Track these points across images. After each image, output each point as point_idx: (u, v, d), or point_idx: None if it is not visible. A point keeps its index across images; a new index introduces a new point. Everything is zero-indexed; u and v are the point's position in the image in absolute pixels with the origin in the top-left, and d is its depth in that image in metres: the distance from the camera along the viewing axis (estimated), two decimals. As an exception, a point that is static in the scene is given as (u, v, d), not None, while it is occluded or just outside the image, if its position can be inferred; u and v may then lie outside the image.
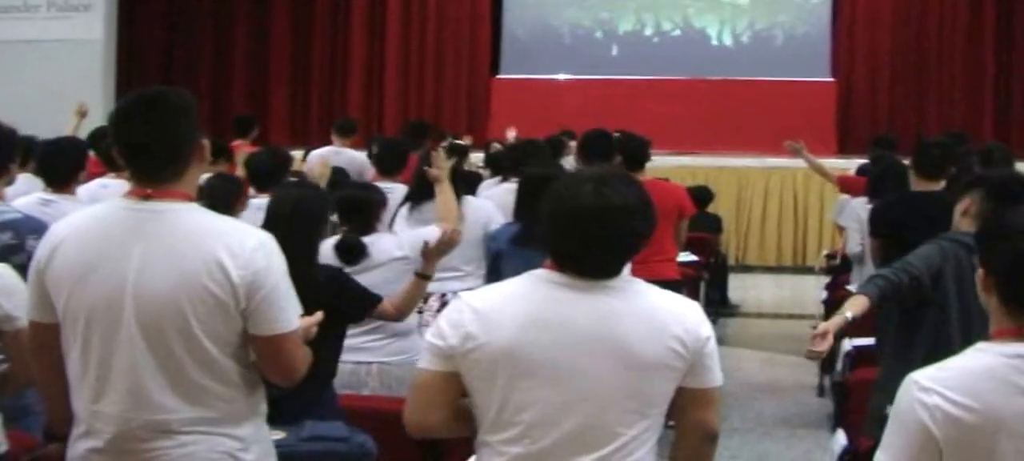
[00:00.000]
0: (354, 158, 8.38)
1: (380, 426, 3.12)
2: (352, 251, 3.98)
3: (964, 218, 3.33)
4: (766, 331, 8.02)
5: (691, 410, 2.20)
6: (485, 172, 7.67)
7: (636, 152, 5.53)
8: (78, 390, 2.30)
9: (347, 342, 3.61)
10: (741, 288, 8.76)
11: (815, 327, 7.23)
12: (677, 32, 13.18)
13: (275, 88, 13.44)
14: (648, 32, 13.24)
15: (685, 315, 2.18)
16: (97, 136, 6.63)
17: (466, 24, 13.23)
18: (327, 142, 9.04)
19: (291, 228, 3.26)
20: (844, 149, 11.52)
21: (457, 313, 2.18)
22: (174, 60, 13.42)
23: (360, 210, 4.08)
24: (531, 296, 2.16)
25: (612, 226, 2.11)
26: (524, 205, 4.43)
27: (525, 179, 4.62)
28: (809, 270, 10.11)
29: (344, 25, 13.42)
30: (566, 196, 2.14)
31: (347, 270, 3.80)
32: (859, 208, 5.66)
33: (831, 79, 12.64)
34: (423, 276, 3.71)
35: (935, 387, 1.92)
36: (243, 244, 2.24)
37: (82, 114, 7.69)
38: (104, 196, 4.83)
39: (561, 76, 12.87)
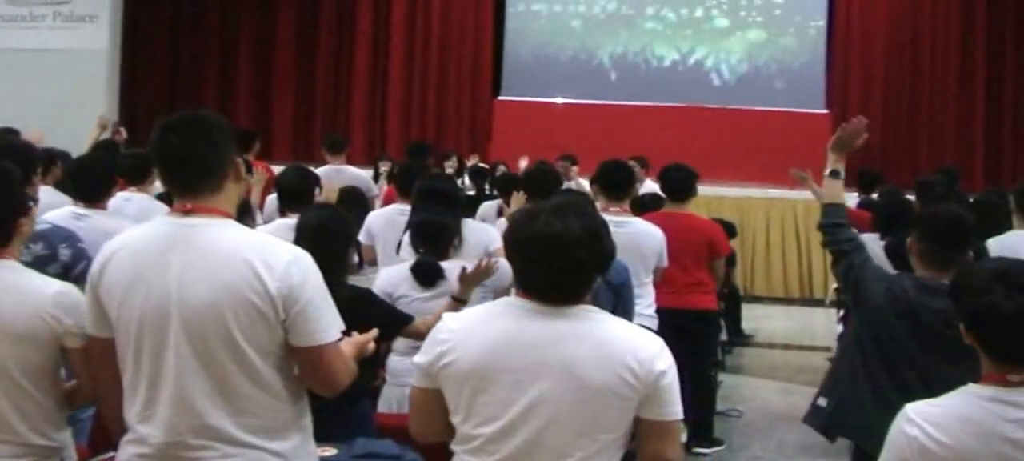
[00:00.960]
0: (358, 176, 8.33)
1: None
2: (429, 273, 4.03)
3: (911, 256, 3.40)
4: (780, 361, 8.06)
5: (649, 441, 2.27)
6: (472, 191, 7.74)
7: (675, 184, 5.60)
8: (130, 399, 2.38)
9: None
10: (752, 319, 8.81)
11: (830, 360, 7.23)
12: (676, 61, 13.31)
13: (279, 104, 13.45)
14: (649, 61, 13.36)
15: (639, 346, 2.23)
16: (106, 148, 6.62)
17: (469, 45, 13.31)
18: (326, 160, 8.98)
19: (316, 248, 3.27)
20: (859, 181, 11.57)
21: (436, 332, 2.34)
22: (179, 72, 13.41)
23: (437, 235, 4.16)
24: (498, 319, 2.30)
25: (554, 253, 2.21)
26: None
27: None
28: (817, 302, 10.21)
29: (348, 42, 13.45)
30: (521, 225, 2.30)
31: (424, 294, 3.88)
32: (872, 243, 5.67)
33: (826, 111, 12.74)
34: (458, 300, 3.78)
35: (918, 420, 2.11)
36: (279, 258, 2.33)
37: (103, 127, 7.71)
38: (127, 209, 4.93)
39: (562, 99, 12.97)
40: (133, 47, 12.78)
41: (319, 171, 8.66)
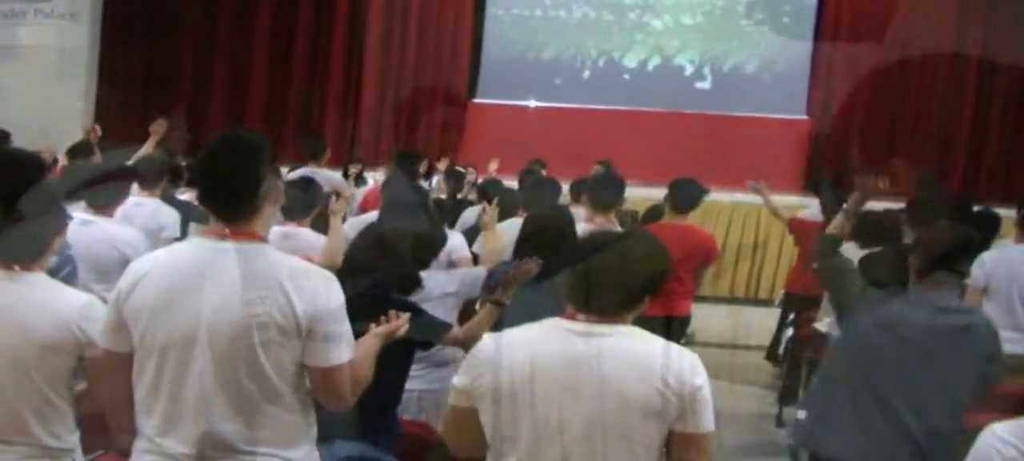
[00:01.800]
0: (331, 178, 8.46)
1: (416, 451, 3.44)
2: (407, 283, 4.04)
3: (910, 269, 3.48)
4: (714, 360, 8.01)
5: (680, 453, 2.34)
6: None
7: (684, 197, 5.84)
8: (146, 414, 2.49)
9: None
10: (694, 317, 8.92)
11: (767, 359, 7.29)
12: (657, 65, 13.24)
13: (253, 104, 13.36)
14: (628, 64, 13.30)
15: (675, 362, 2.33)
16: (80, 149, 6.69)
17: (447, 47, 13.22)
18: (301, 162, 9.00)
19: (382, 260, 3.51)
20: (809, 187, 11.68)
21: (476, 353, 2.45)
22: (155, 69, 13.25)
23: (424, 248, 4.17)
24: (537, 340, 2.39)
25: (618, 272, 2.37)
26: (527, 243, 4.46)
27: (529, 219, 4.72)
28: (762, 302, 10.24)
29: (324, 44, 13.41)
30: (591, 241, 2.50)
31: None
32: (851, 253, 5.83)
33: (805, 117, 12.76)
34: (497, 303, 3.75)
35: (1013, 440, 2.11)
36: (312, 281, 2.44)
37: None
38: (137, 214, 5.02)
39: (536, 103, 12.96)
40: (111, 46, 12.68)
41: (295, 174, 8.91)
